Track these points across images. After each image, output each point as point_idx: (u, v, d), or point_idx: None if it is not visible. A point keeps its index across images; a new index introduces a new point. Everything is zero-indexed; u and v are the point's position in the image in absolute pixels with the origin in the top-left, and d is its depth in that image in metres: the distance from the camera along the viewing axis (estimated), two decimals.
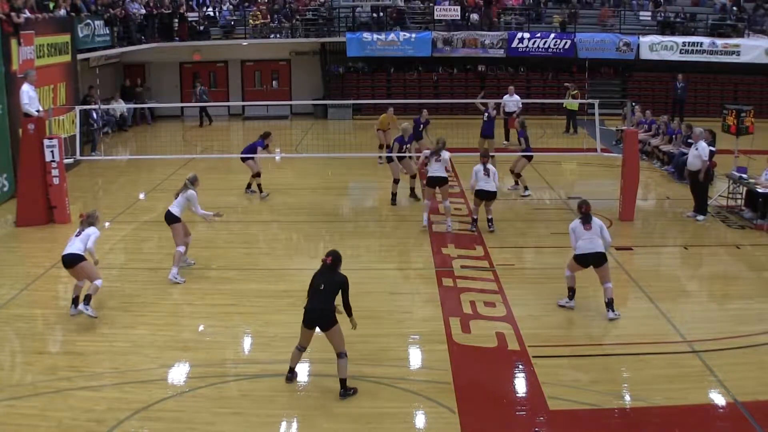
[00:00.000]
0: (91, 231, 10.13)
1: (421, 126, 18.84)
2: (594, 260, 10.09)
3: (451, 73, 29.14)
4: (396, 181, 16.02)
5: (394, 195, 15.98)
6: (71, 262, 9.94)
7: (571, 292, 10.53)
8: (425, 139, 19.26)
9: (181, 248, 11.62)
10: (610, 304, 10.12)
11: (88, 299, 9.78)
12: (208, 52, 28.86)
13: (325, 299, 8.14)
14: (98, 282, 9.95)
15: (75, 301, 10.12)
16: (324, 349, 9.22)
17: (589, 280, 11.64)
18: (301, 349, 8.39)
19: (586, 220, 10.13)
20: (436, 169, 14.08)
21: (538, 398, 8.06)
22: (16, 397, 8.02)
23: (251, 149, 16.53)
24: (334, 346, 8.17)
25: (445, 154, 14.16)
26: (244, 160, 16.67)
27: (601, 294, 11.28)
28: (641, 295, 10.97)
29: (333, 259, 8.26)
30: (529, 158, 16.73)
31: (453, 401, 7.98)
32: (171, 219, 11.66)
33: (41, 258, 12.53)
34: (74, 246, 10.00)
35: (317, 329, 8.22)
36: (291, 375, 8.47)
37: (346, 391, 8.17)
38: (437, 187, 14.24)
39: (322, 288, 8.14)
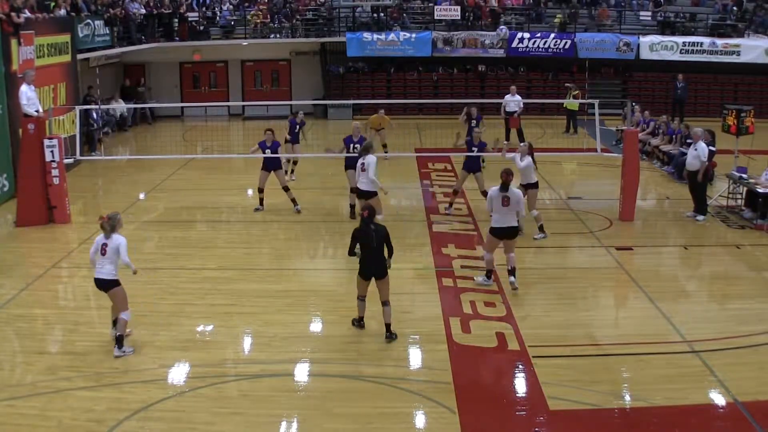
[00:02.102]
0: (118, 241, 8.94)
1: (298, 127, 17.61)
2: (508, 234, 10.89)
3: (451, 73, 29.14)
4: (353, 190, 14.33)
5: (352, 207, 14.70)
6: (104, 287, 9.03)
7: (490, 273, 11.18)
8: (302, 142, 18.24)
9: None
10: (512, 272, 10.95)
11: (120, 341, 8.91)
12: (208, 52, 28.87)
13: (380, 252, 9.27)
14: (125, 315, 8.96)
15: (115, 323, 9.16)
16: (324, 349, 9.25)
17: (588, 280, 11.68)
18: (362, 299, 9.53)
19: (504, 190, 10.73)
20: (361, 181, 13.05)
21: (538, 398, 8.06)
22: (16, 397, 8.01)
23: (275, 151, 14.89)
24: (383, 294, 9.32)
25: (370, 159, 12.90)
26: (275, 169, 14.98)
27: (601, 294, 11.34)
28: (641, 295, 10.96)
29: (369, 212, 9.28)
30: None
31: (453, 401, 7.97)
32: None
33: (41, 258, 12.53)
34: (104, 269, 8.94)
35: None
36: (361, 323, 9.65)
37: (391, 334, 9.35)
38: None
39: (375, 245, 9.20)
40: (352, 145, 14.49)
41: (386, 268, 9.28)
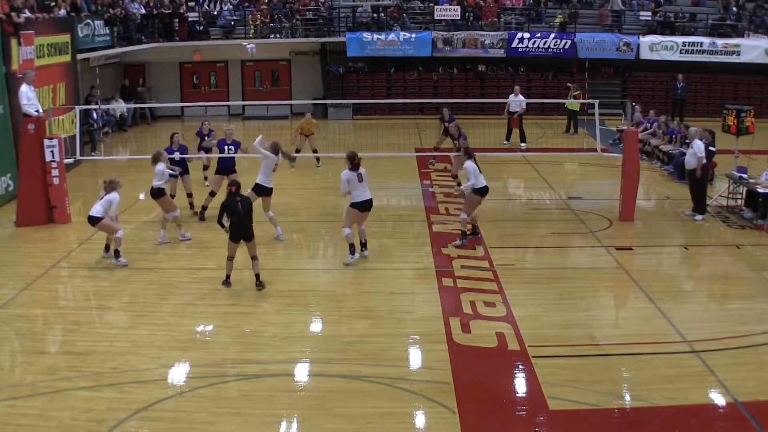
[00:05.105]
0: (113, 196, 11.97)
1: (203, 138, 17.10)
2: (369, 205, 12.03)
3: (451, 73, 29.14)
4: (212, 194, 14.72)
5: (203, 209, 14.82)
6: (93, 223, 12.00)
7: (353, 248, 11.99)
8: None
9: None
10: (365, 245, 12.23)
11: (118, 253, 12.07)
12: (208, 52, 28.86)
13: (247, 219, 10.78)
14: (119, 234, 12.04)
15: (108, 248, 12.34)
16: (324, 349, 9.26)
17: (588, 280, 11.68)
18: (232, 258, 10.99)
19: (357, 169, 11.76)
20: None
21: (538, 398, 8.06)
22: (16, 397, 8.02)
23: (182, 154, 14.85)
24: (251, 251, 10.94)
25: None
26: (182, 174, 14.73)
27: (601, 294, 11.36)
28: (641, 295, 10.96)
29: (237, 187, 10.83)
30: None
31: (453, 401, 7.97)
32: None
33: (41, 258, 12.53)
34: (94, 209, 11.96)
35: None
36: (228, 281, 11.05)
37: (261, 283, 10.99)
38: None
39: (241, 213, 10.69)
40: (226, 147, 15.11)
41: (252, 232, 10.88)
